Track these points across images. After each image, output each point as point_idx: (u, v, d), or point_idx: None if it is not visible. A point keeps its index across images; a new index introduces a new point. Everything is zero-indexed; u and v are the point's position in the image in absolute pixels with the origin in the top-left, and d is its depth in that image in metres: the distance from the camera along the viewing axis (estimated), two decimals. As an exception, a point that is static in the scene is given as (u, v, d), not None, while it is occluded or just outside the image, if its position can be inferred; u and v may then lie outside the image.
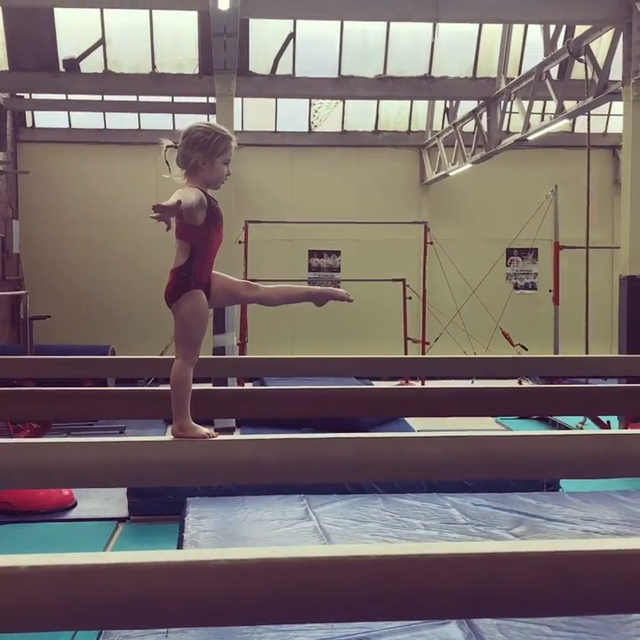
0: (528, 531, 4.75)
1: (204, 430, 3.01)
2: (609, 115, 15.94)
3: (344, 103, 15.78)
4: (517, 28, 13.59)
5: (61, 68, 13.41)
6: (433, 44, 13.91)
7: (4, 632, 1.93)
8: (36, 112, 15.65)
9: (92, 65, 13.56)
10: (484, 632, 3.24)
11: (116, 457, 2.98)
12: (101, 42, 13.54)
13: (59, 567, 1.87)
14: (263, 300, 3.11)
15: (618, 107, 14.92)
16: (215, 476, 3.27)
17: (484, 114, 13.43)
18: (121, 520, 6.98)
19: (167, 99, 14.38)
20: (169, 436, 3.04)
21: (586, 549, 2.04)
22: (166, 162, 3.01)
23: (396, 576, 1.90)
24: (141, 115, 15.56)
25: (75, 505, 7.31)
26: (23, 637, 2.30)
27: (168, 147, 3.01)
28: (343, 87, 14.17)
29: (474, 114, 13.65)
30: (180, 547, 4.84)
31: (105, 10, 13.10)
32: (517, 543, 2.61)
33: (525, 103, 11.76)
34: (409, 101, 15.86)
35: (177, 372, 2.98)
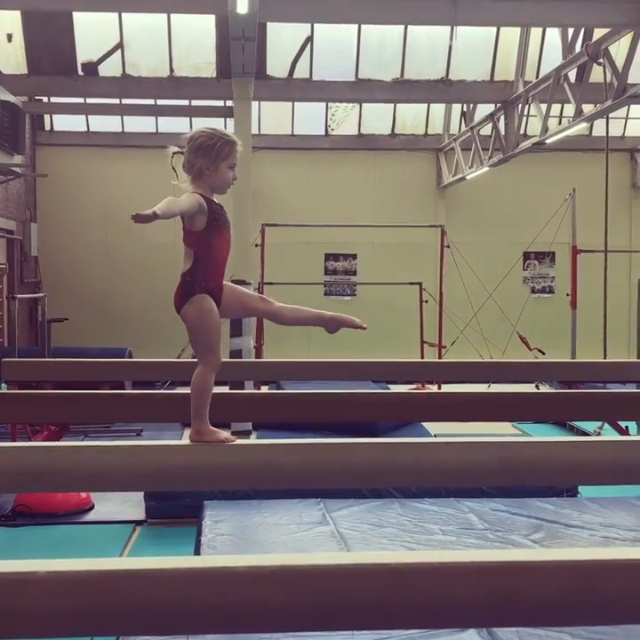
0: (547, 537, 4.72)
1: (223, 434, 3.01)
2: (627, 118, 15.86)
3: (361, 106, 15.78)
4: (535, 32, 13.54)
5: (80, 72, 13.48)
6: (450, 47, 13.90)
7: (22, 637, 1.93)
8: (54, 115, 15.73)
9: (110, 68, 13.61)
10: (503, 639, 3.21)
11: (133, 461, 2.98)
12: (119, 45, 13.59)
13: (77, 573, 1.87)
14: (276, 315, 3.09)
15: (636, 110, 14.88)
16: (232, 481, 3.26)
17: (502, 117, 13.39)
18: (138, 523, 6.98)
19: (185, 102, 14.41)
20: (186, 440, 3.04)
21: (607, 558, 2.02)
22: (173, 168, 3.03)
23: (417, 584, 1.89)
24: (159, 118, 15.61)
25: (92, 508, 7.32)
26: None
27: (174, 153, 3.02)
28: (360, 90, 14.17)
29: (491, 117, 13.61)
30: (197, 550, 4.83)
31: (123, 14, 13.14)
32: (538, 552, 2.59)
33: (543, 106, 11.71)
34: (426, 105, 15.85)
35: (198, 378, 2.98)
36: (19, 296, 11.25)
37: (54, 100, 14.84)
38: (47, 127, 15.88)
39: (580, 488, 6.78)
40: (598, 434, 9.09)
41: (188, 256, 2.97)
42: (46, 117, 15.78)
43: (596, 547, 4.36)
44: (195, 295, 2.93)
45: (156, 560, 1.94)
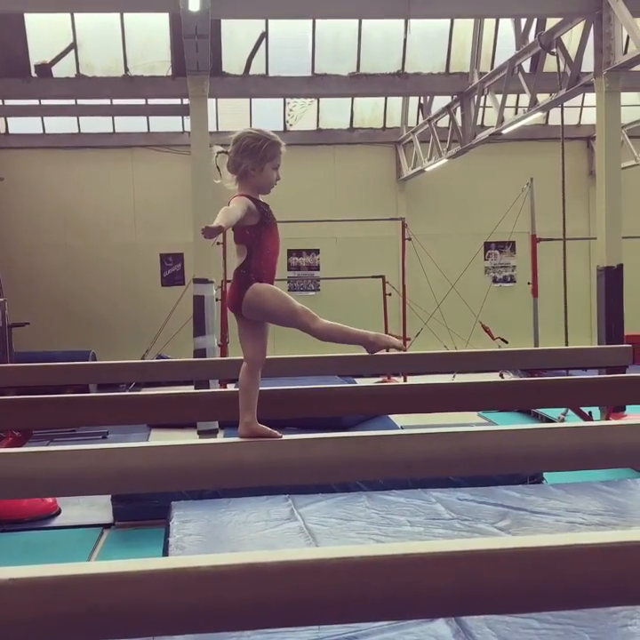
0: (513, 524, 4.76)
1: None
2: (582, 106, 16.01)
3: (318, 101, 15.78)
4: (489, 23, 13.63)
5: (33, 74, 13.33)
6: (405, 40, 13.94)
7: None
8: (9, 118, 15.55)
9: (64, 69, 13.48)
10: (472, 627, 3.24)
11: (99, 464, 2.97)
12: (73, 46, 13.46)
13: (40, 579, 1.85)
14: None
15: (591, 98, 14.99)
16: (200, 480, 3.26)
17: (458, 109, 13.46)
18: (106, 526, 6.93)
19: (141, 101, 14.30)
20: (152, 442, 3.02)
21: (570, 544, 2.05)
22: (217, 167, 3.11)
23: (382, 576, 1.90)
24: (116, 118, 15.49)
25: (59, 512, 7.25)
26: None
27: (219, 153, 3.11)
28: (317, 85, 14.15)
29: (448, 109, 13.67)
30: (165, 551, 4.81)
31: (76, 14, 13.01)
32: (501, 540, 2.62)
33: (499, 97, 11.79)
34: (383, 98, 15.89)
35: (323, 327, 3.04)
36: (-22, 301, 11.11)
37: (8, 102, 14.65)
38: (2, 130, 15.71)
39: (545, 474, 6.85)
40: (562, 420, 9.19)
41: (240, 252, 3.08)
42: (1, 121, 15.60)
43: (562, 532, 4.41)
44: (252, 284, 3.02)
45: (121, 563, 1.93)
